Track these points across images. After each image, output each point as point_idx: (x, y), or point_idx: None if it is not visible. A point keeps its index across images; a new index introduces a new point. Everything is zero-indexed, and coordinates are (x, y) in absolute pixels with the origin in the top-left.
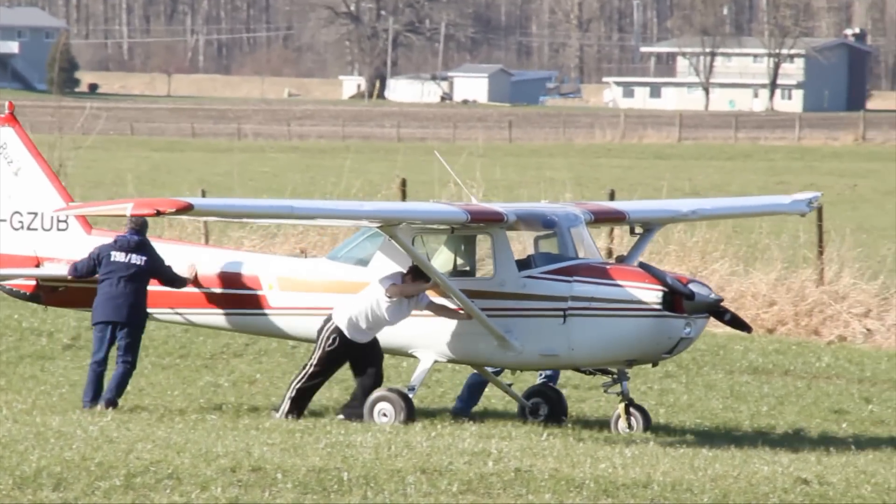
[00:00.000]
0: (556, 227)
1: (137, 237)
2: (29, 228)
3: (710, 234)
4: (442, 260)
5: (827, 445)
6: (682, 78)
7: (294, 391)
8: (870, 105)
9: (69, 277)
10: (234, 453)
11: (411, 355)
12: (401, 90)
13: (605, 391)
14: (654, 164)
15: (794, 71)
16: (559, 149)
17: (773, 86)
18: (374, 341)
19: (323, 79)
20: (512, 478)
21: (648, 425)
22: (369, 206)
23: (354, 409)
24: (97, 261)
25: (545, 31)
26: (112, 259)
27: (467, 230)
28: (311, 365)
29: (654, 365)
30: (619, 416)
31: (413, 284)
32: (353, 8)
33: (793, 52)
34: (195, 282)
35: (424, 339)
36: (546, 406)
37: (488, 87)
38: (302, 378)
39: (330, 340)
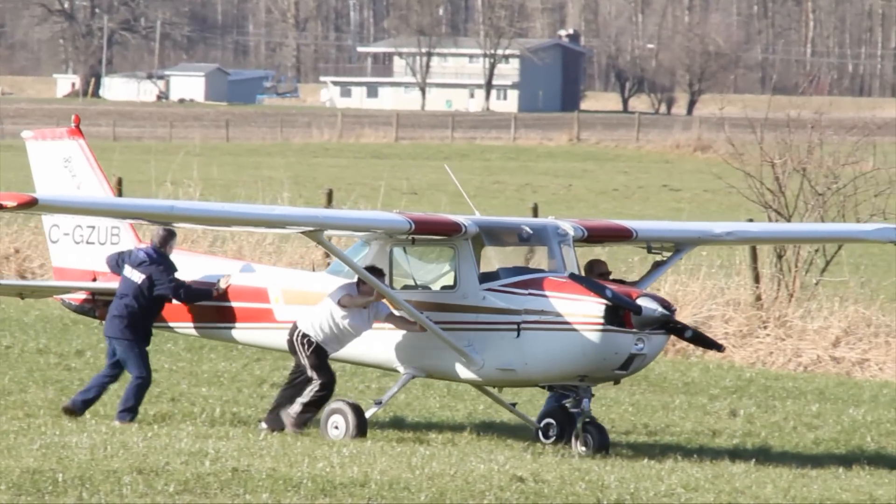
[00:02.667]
0: (546, 241)
1: (143, 254)
2: (87, 242)
3: None
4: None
5: (542, 443)
6: (398, 78)
7: (304, 403)
8: (584, 106)
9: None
10: None
11: (394, 370)
12: (116, 89)
13: (569, 409)
14: (372, 164)
15: (509, 71)
16: (277, 148)
17: (488, 86)
18: None
19: (37, 77)
20: (229, 477)
21: (605, 443)
22: (282, 211)
23: (277, 418)
24: (118, 262)
25: (262, 30)
26: (123, 273)
27: (434, 241)
28: (314, 379)
29: (616, 382)
30: (577, 434)
31: (362, 296)
32: (67, 6)
33: (508, 52)
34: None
35: (403, 354)
36: (557, 428)
37: (205, 86)
38: (312, 391)
39: (306, 345)
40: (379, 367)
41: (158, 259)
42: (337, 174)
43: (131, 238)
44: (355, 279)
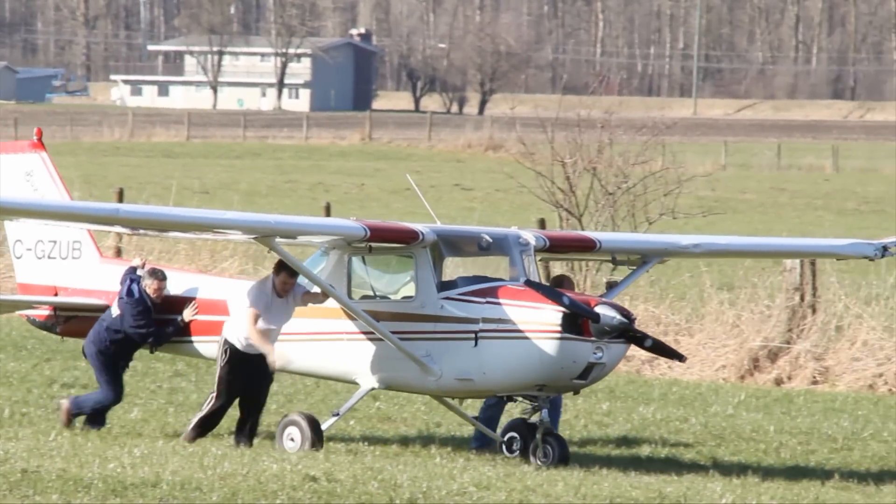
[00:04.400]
0: (507, 251)
1: (127, 289)
2: (49, 257)
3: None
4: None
5: (336, 442)
6: (190, 76)
7: (198, 418)
8: (376, 105)
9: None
10: None
11: (353, 382)
12: None
13: (528, 419)
14: (164, 163)
15: (301, 70)
16: (67, 147)
17: (280, 85)
18: (264, 364)
19: None
20: (18, 479)
21: (564, 454)
22: (232, 216)
23: (240, 435)
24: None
25: (51, 27)
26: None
27: (391, 250)
28: (213, 396)
29: (576, 392)
30: (536, 445)
31: (312, 295)
32: None
33: (300, 51)
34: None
35: (361, 365)
36: (520, 442)
37: None
38: (208, 403)
39: (222, 354)
40: (337, 380)
41: (137, 301)
42: (128, 173)
43: (93, 252)
44: (269, 278)
